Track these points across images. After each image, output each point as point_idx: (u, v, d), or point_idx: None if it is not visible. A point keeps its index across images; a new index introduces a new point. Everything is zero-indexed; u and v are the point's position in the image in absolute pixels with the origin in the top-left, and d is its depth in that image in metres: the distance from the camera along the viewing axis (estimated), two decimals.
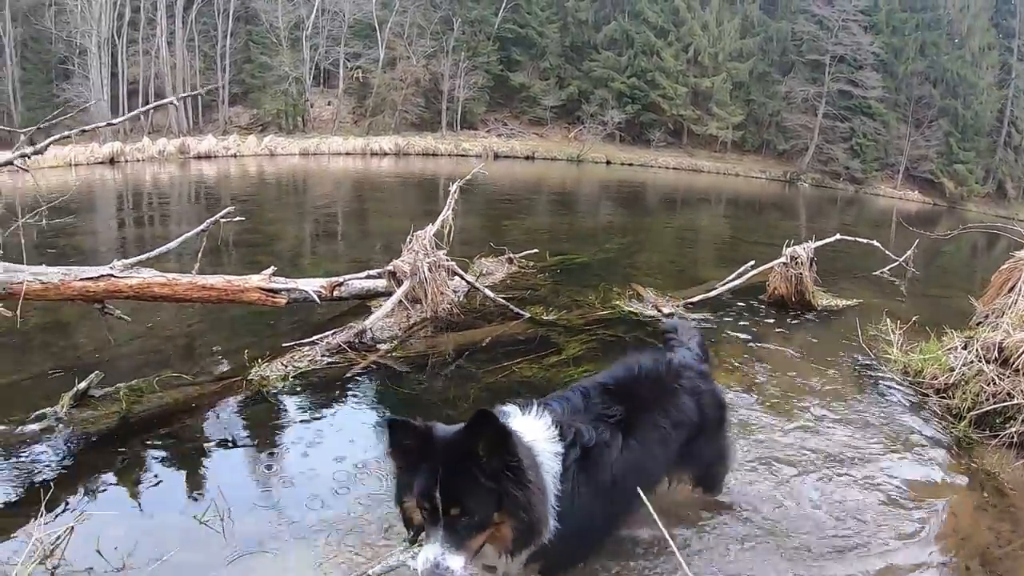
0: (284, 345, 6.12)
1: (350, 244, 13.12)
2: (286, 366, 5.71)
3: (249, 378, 5.46)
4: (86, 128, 6.53)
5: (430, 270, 6.82)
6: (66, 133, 5.96)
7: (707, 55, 49.58)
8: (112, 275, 5.93)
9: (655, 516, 2.22)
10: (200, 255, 6.59)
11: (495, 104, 50.91)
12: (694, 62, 50.06)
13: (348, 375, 5.69)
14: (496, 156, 43.27)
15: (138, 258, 6.24)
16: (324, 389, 5.42)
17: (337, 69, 47.55)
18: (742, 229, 19.80)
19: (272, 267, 6.70)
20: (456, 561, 2.22)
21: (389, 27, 47.17)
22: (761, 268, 8.70)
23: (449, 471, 2.26)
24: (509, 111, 51.37)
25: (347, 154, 39.81)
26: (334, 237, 14.16)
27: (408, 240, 7.31)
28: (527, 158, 44.95)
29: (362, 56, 47.72)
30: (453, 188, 8.39)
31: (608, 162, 46.39)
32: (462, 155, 42.39)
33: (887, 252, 10.47)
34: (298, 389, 5.38)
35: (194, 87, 43.92)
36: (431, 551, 2.24)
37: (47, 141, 5.66)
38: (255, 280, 6.55)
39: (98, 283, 5.86)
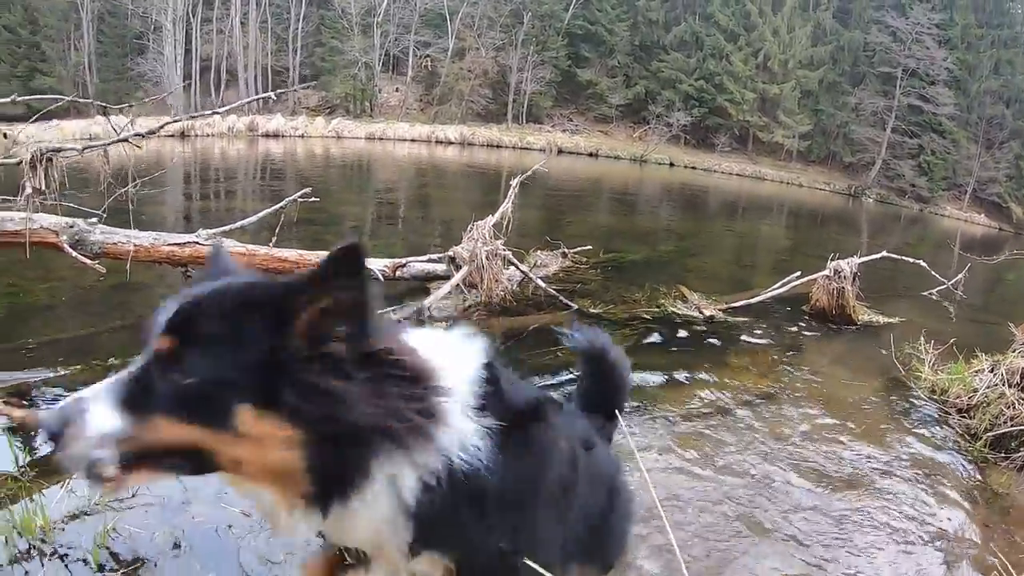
0: None
1: (410, 228, 13.65)
2: None
3: None
4: (236, 105, 7.12)
5: (487, 258, 7.25)
6: (216, 110, 6.57)
7: (777, 61, 49.03)
8: (197, 242, 6.50)
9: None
10: (277, 230, 7.16)
11: (561, 99, 51.25)
12: (763, 68, 49.54)
13: None
14: (560, 151, 43.67)
15: (221, 229, 6.83)
16: None
17: (406, 56, 48.50)
18: (801, 241, 19.74)
19: None
20: (106, 416, 1.27)
21: (459, 18, 47.90)
22: (805, 279, 8.91)
23: (210, 297, 1.37)
24: (575, 107, 51.66)
25: (412, 141, 40.62)
26: (395, 221, 14.70)
27: (468, 229, 7.76)
28: (590, 155, 45.17)
29: (432, 45, 48.53)
30: (514, 183, 8.80)
31: (671, 164, 46.32)
32: (526, 148, 42.85)
33: (934, 273, 10.53)
34: None
35: (267, 69, 45.25)
36: (87, 391, 1.31)
37: (162, 123, 6.27)
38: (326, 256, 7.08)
39: (184, 249, 6.45)
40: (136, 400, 1.28)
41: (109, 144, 6.03)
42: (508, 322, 7.03)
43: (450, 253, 7.57)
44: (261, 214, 7.18)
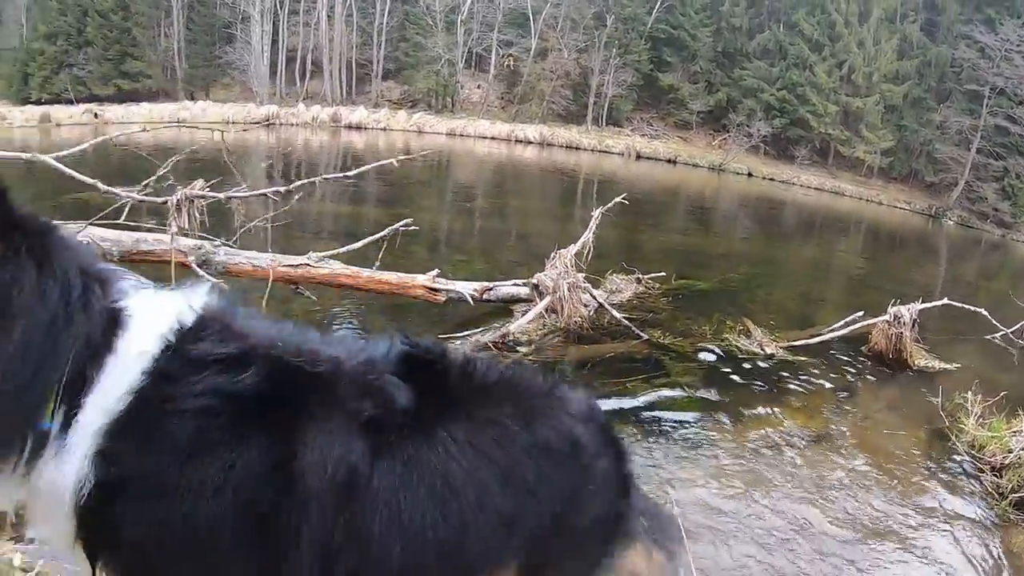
0: (439, 337, 7.42)
1: (490, 241, 14.44)
2: None
3: None
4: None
5: (569, 289, 7.98)
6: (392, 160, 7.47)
7: (861, 74, 47.78)
8: (308, 264, 7.52)
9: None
10: (381, 254, 8.03)
11: (642, 103, 51.01)
12: (847, 80, 48.37)
13: None
14: (639, 156, 43.65)
15: (329, 252, 7.80)
16: None
17: (489, 55, 49.20)
18: (876, 269, 19.04)
19: (436, 270, 8.09)
20: None
21: (543, 18, 48.32)
22: (866, 322, 9.31)
23: None
24: (655, 112, 51.35)
25: (492, 138, 41.27)
26: (475, 233, 15.53)
27: (551, 256, 8.52)
28: (669, 161, 44.78)
29: (514, 44, 49.10)
30: (596, 214, 9.51)
31: (750, 174, 45.42)
32: (604, 151, 42.94)
33: (994, 321, 10.57)
34: None
35: (352, 62, 46.64)
36: None
37: (299, 183, 7.19)
38: (422, 279, 7.98)
39: (297, 270, 7.46)
40: None
41: (252, 195, 7.04)
42: (583, 350, 7.74)
43: (534, 280, 8.34)
44: (366, 240, 8.11)
